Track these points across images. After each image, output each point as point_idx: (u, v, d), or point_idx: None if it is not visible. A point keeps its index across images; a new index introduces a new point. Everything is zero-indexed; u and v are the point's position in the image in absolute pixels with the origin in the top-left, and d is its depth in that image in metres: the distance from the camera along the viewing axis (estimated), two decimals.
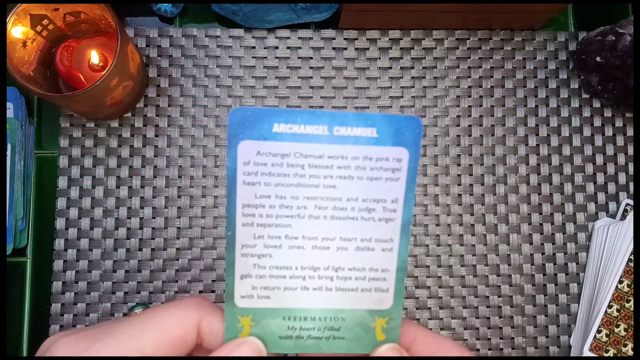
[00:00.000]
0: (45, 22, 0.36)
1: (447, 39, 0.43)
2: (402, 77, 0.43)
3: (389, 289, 0.20)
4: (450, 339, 0.20)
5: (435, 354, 0.20)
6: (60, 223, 0.40)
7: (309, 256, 0.19)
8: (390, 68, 0.43)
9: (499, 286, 0.42)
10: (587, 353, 0.39)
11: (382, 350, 0.20)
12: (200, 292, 0.40)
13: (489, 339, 0.41)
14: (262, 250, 0.19)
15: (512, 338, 0.41)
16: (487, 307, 0.41)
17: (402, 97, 0.43)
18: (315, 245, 0.19)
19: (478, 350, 0.41)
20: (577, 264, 0.42)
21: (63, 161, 0.41)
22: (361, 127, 0.19)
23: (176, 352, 0.18)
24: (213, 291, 0.41)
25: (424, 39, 0.43)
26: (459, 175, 0.42)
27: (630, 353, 0.39)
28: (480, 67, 0.43)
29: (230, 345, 0.19)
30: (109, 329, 0.18)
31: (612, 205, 0.43)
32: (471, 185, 0.42)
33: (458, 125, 0.43)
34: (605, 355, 0.39)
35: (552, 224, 0.42)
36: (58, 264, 0.40)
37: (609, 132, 0.43)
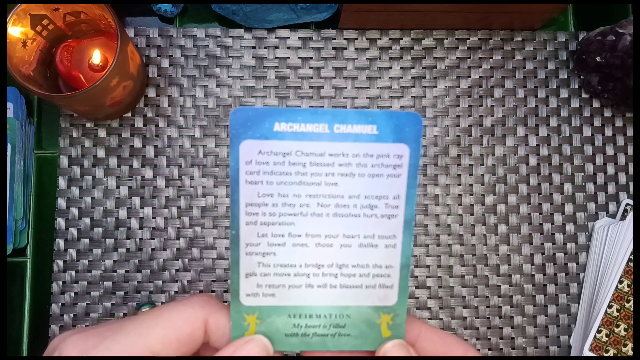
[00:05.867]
0: (45, 22, 0.36)
1: (447, 39, 0.43)
2: (402, 77, 0.43)
3: (394, 285, 0.20)
4: (454, 335, 0.20)
5: (438, 349, 0.20)
6: (60, 223, 0.40)
7: (312, 254, 0.19)
8: (390, 68, 0.43)
9: (499, 286, 0.42)
10: (587, 353, 0.39)
11: (389, 347, 0.20)
12: (200, 292, 0.40)
13: (489, 339, 0.41)
14: (266, 249, 0.19)
15: (512, 338, 0.41)
16: (487, 307, 0.41)
17: (402, 97, 0.43)
18: (318, 242, 0.19)
19: (478, 350, 0.41)
20: (577, 264, 0.42)
21: (63, 161, 0.41)
22: (361, 124, 0.19)
23: (184, 349, 0.18)
24: (213, 291, 0.41)
25: (424, 39, 0.43)
26: (459, 175, 0.42)
27: (630, 353, 0.39)
28: (480, 67, 0.43)
29: (237, 343, 0.19)
30: (117, 327, 0.18)
31: (612, 205, 0.43)
32: (471, 185, 0.42)
33: (458, 125, 0.43)
34: (605, 355, 0.39)
35: (552, 224, 0.42)
36: (58, 264, 0.40)
37: (609, 132, 0.43)
